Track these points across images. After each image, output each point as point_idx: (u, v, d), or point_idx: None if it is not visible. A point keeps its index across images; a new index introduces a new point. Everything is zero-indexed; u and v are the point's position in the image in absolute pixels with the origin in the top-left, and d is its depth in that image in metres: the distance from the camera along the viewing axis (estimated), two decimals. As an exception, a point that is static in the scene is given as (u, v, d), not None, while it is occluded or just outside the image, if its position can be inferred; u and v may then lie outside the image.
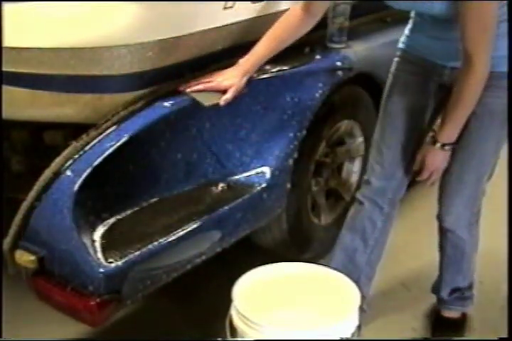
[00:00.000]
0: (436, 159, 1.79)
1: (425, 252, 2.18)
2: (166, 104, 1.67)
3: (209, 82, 1.71)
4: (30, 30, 1.65)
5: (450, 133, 1.74)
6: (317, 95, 2.02)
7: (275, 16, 1.87)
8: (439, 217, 1.94)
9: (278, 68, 1.92)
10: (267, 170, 1.90)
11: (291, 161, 1.97)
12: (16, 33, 1.63)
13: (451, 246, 1.98)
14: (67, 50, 1.61)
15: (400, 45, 1.90)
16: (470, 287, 2.08)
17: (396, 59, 1.91)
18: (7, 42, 1.59)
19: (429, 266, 2.13)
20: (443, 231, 1.97)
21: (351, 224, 2.00)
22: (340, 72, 2.10)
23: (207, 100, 1.69)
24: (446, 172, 1.85)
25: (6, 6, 1.61)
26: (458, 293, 2.07)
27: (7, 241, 1.60)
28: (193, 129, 1.81)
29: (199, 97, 1.69)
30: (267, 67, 1.89)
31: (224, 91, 1.71)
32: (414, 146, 1.89)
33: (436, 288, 2.11)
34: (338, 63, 2.09)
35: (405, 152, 1.89)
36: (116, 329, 2.00)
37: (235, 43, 1.84)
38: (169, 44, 1.67)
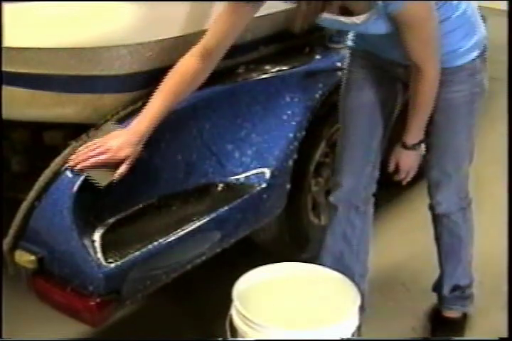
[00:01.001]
0: (409, 159, 1.84)
1: (425, 252, 2.18)
2: (166, 104, 1.67)
3: (102, 153, 1.51)
4: (30, 30, 1.65)
5: (416, 134, 1.79)
6: (317, 95, 2.02)
7: (274, 16, 1.88)
8: (431, 207, 1.97)
9: (278, 68, 1.92)
10: (266, 171, 1.90)
11: (291, 161, 1.97)
12: (16, 33, 1.63)
13: (447, 233, 1.99)
14: (67, 50, 1.61)
15: (349, 43, 1.89)
16: (470, 285, 2.09)
17: (348, 55, 1.90)
18: (7, 42, 1.59)
19: (429, 266, 2.13)
20: (438, 219, 1.98)
21: (331, 228, 1.99)
22: (340, 73, 2.10)
23: (102, 179, 1.51)
24: (428, 166, 1.89)
25: (6, 6, 1.61)
26: (458, 292, 2.07)
27: (7, 241, 1.60)
28: (193, 129, 1.81)
29: (93, 175, 1.51)
30: (267, 67, 1.89)
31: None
32: (378, 141, 1.89)
33: (437, 286, 2.11)
34: (338, 63, 2.09)
35: (370, 147, 1.89)
36: (116, 329, 2.00)
37: (234, 43, 1.84)
38: (169, 44, 1.67)
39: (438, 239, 2.03)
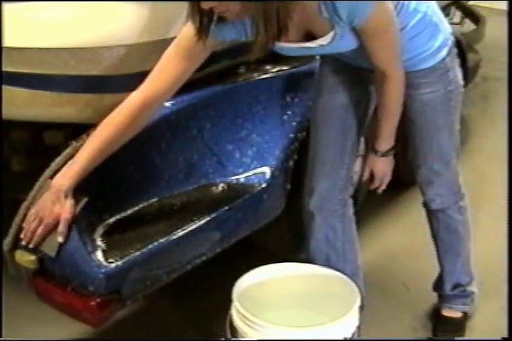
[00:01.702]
0: (383, 166, 1.84)
1: (425, 252, 2.18)
2: (166, 104, 1.68)
3: (40, 223, 1.52)
4: (31, 30, 1.65)
5: (388, 141, 1.79)
6: (317, 95, 2.01)
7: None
8: (425, 203, 1.97)
9: (278, 68, 1.92)
10: (267, 171, 1.90)
11: (291, 162, 1.97)
12: (16, 33, 1.63)
13: (445, 229, 1.98)
14: (67, 50, 1.62)
15: None
16: (470, 283, 2.08)
17: (318, 59, 1.90)
18: (7, 42, 1.59)
19: (429, 266, 2.13)
20: (434, 215, 1.98)
21: (312, 234, 1.97)
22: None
23: (51, 248, 1.52)
24: (415, 166, 1.90)
25: (6, 6, 1.61)
26: (459, 290, 2.07)
27: (7, 242, 1.60)
28: (193, 129, 1.81)
29: (45, 249, 1.54)
30: (268, 66, 1.89)
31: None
32: (353, 143, 1.88)
33: (438, 284, 2.10)
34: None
35: (345, 149, 1.87)
36: (116, 329, 2.00)
37: (235, 44, 1.84)
38: (169, 44, 1.67)
39: (435, 236, 2.03)
